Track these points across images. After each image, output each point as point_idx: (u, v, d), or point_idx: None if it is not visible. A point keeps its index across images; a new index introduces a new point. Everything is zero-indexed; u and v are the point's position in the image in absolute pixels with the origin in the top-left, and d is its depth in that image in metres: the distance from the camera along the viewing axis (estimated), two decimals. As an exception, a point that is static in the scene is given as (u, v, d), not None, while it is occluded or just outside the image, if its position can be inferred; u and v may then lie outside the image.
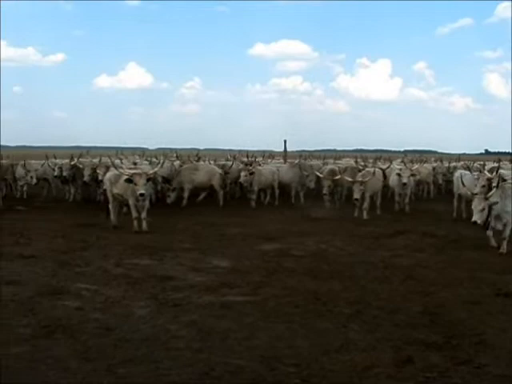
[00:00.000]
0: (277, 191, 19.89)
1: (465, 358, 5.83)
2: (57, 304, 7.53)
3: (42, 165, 21.42)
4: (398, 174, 17.47)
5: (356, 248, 11.80)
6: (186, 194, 18.57)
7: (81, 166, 19.55)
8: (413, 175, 18.06)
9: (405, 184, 17.31)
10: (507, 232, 11.26)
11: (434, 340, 6.31)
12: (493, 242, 11.50)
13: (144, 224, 13.38)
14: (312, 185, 19.72)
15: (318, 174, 19.09)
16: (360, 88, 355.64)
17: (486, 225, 11.27)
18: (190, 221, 15.13)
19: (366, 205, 16.10)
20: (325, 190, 18.01)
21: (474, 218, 11.01)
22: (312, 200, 19.09)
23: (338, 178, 18.01)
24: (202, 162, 22.47)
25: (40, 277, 8.99)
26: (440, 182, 22.76)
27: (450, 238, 12.94)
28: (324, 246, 11.92)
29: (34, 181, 19.98)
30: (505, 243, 11.21)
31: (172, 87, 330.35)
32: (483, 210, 10.98)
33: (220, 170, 19.49)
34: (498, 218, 11.26)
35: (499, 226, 11.32)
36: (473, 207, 11.15)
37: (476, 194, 11.72)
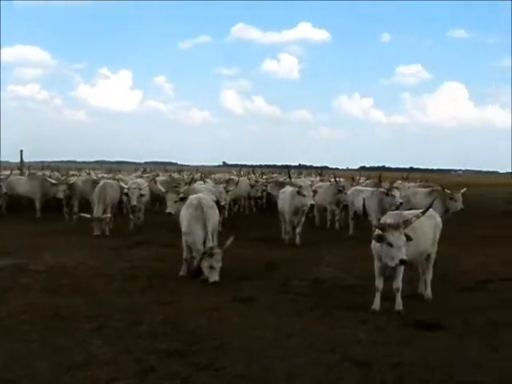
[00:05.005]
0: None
1: (205, 362, 6.07)
2: None
3: None
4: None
5: (95, 261, 11.61)
6: None
7: None
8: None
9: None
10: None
11: (176, 348, 6.47)
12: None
13: None
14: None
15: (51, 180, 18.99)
16: (100, 98, 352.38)
17: None
18: None
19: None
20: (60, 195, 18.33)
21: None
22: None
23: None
24: None
25: None
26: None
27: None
28: (63, 260, 11.55)
29: None
30: None
31: None
32: None
33: None
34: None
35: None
36: None
37: None
